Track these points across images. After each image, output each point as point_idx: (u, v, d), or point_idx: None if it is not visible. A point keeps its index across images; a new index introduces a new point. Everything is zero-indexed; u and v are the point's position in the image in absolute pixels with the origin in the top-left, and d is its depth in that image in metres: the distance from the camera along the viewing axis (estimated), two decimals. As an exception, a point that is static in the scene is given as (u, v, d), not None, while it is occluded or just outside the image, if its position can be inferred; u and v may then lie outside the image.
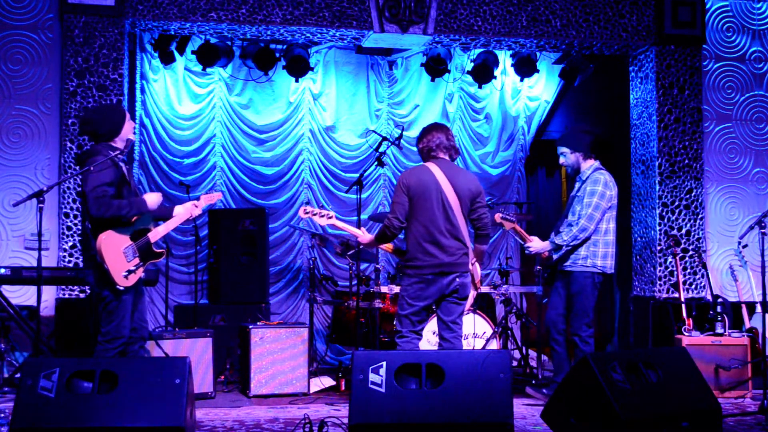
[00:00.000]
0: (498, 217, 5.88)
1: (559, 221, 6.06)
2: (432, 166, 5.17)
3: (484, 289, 7.16)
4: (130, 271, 4.86)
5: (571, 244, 5.80)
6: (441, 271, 5.04)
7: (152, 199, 4.99)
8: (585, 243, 5.83)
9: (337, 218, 5.46)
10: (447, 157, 5.24)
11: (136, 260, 4.91)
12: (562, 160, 6.07)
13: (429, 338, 6.32)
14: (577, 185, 6.00)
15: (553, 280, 6.04)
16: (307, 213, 5.48)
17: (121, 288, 4.83)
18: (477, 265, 5.28)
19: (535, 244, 5.93)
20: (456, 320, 5.17)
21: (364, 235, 5.43)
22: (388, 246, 5.45)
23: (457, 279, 5.10)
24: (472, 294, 5.32)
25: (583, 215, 5.77)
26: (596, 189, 5.81)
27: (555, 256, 5.92)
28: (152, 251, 5.00)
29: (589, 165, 5.97)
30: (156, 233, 5.02)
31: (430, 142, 5.22)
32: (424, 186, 5.08)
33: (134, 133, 7.68)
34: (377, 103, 8.58)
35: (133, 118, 7.57)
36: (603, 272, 5.88)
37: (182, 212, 5.16)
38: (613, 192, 5.89)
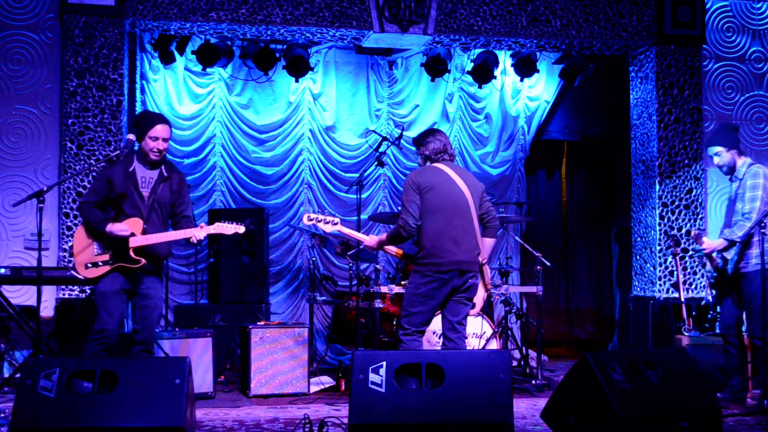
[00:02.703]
0: (695, 232, 5.91)
1: (724, 224, 5.93)
2: (441, 166, 5.17)
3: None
4: (94, 264, 4.88)
5: (744, 238, 5.65)
6: (458, 269, 5.03)
7: (117, 227, 4.94)
8: (754, 241, 5.71)
9: (342, 223, 5.41)
10: (449, 160, 5.25)
11: (105, 256, 4.90)
12: (717, 160, 5.86)
13: (429, 338, 6.31)
14: (735, 185, 5.83)
15: (722, 284, 5.90)
16: (311, 220, 5.39)
17: (81, 277, 4.90)
18: (487, 266, 5.28)
19: (708, 243, 5.79)
20: (462, 321, 5.17)
21: (371, 239, 5.37)
22: (398, 250, 5.42)
23: (471, 280, 5.11)
24: (483, 296, 5.30)
25: (754, 209, 5.62)
26: (758, 182, 5.67)
27: (728, 256, 5.79)
28: (128, 256, 4.95)
29: (743, 161, 5.82)
30: (136, 240, 4.96)
31: (437, 145, 5.20)
32: (439, 184, 5.08)
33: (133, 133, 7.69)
34: (377, 103, 8.58)
35: (132, 119, 7.60)
36: None
37: (178, 232, 5.10)
38: None
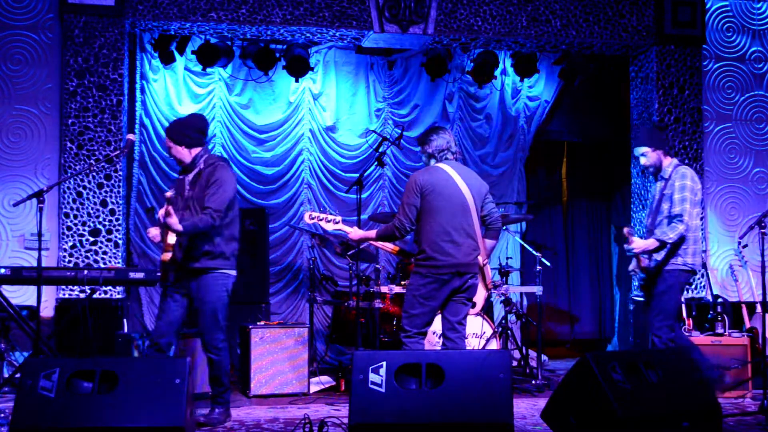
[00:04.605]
0: (626, 230, 5.61)
1: (650, 223, 5.80)
2: (445, 167, 5.15)
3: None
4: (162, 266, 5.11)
5: (676, 240, 5.52)
6: (457, 271, 5.02)
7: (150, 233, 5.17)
8: (682, 246, 5.58)
9: (343, 222, 5.39)
10: (453, 159, 5.24)
11: (167, 255, 5.04)
12: (643, 161, 5.77)
13: (429, 338, 6.31)
14: (660, 184, 5.75)
15: (650, 287, 5.71)
16: (312, 218, 5.37)
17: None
18: (488, 266, 5.27)
19: (638, 243, 5.58)
20: (462, 321, 5.16)
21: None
22: (394, 247, 5.39)
23: (470, 280, 5.10)
24: (483, 295, 5.30)
25: (683, 211, 5.53)
26: (686, 183, 5.60)
27: (655, 257, 5.64)
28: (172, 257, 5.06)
29: (669, 162, 5.75)
30: (171, 237, 5.01)
31: (440, 143, 5.19)
32: (441, 186, 5.07)
33: (134, 132, 7.71)
34: (377, 103, 8.58)
35: (132, 119, 7.63)
36: (693, 269, 5.63)
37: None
38: (699, 186, 5.70)
